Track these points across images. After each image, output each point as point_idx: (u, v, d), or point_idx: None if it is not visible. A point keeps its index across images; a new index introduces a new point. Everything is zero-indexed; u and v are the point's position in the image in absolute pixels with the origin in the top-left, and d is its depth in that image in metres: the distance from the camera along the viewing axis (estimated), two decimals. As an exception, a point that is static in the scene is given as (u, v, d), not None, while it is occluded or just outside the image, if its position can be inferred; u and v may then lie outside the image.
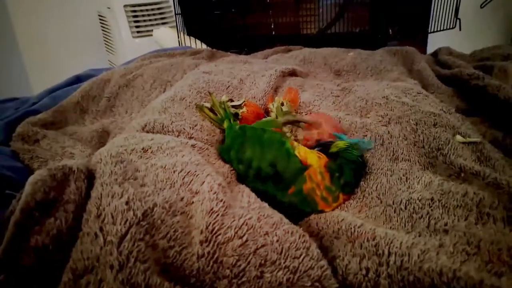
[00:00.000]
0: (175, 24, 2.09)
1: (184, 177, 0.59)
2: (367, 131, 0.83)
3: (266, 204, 0.59)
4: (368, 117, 0.89)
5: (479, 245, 0.50)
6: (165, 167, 0.61)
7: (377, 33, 1.94)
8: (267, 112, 1.01)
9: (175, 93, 0.97)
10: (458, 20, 1.81)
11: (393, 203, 0.62)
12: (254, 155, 0.72)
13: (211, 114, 0.92)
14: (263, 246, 0.50)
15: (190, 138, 0.81)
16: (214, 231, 0.51)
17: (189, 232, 0.52)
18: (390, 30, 1.90)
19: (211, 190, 0.57)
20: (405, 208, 0.60)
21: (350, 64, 1.35)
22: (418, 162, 0.71)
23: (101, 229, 0.47)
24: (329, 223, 0.60)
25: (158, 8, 2.28)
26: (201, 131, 0.85)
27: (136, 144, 0.68)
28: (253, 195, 0.61)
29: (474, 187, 0.61)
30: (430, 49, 1.82)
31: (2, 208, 0.52)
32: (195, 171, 0.61)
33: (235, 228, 0.51)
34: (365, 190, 0.70)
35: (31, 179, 0.51)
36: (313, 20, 1.97)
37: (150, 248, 0.47)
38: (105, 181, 0.54)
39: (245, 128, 0.80)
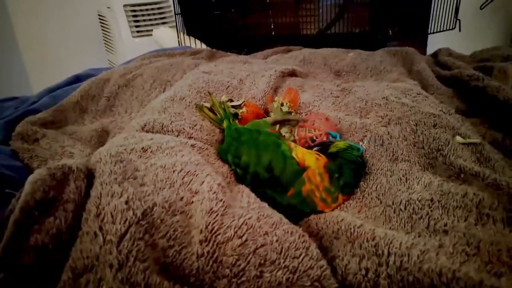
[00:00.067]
0: (175, 24, 2.09)
1: (183, 177, 0.59)
2: (367, 131, 0.83)
3: (265, 204, 0.59)
4: (368, 118, 0.89)
5: (478, 246, 0.50)
6: (164, 166, 0.61)
7: (377, 33, 1.94)
8: (266, 113, 1.01)
9: (175, 93, 0.97)
10: (458, 21, 1.81)
11: (393, 204, 0.62)
12: (250, 159, 0.71)
13: (210, 114, 0.92)
14: (262, 245, 0.50)
15: (190, 138, 0.81)
16: (213, 231, 0.51)
17: (188, 232, 0.52)
18: (390, 31, 1.90)
19: (211, 190, 0.57)
20: (405, 208, 0.60)
21: (350, 65, 1.35)
22: (418, 162, 0.71)
23: (100, 228, 0.47)
24: (329, 223, 0.60)
25: (158, 8, 2.28)
26: (200, 131, 0.85)
27: (135, 144, 0.68)
28: (252, 195, 0.61)
29: (474, 188, 0.61)
30: (430, 50, 1.82)
31: (1, 207, 0.52)
32: (195, 171, 0.61)
33: (234, 228, 0.51)
34: (364, 191, 0.70)
35: (30, 178, 0.51)
36: (313, 20, 1.97)
37: (150, 248, 0.47)
38: (104, 181, 0.54)
39: (240, 131, 0.80)
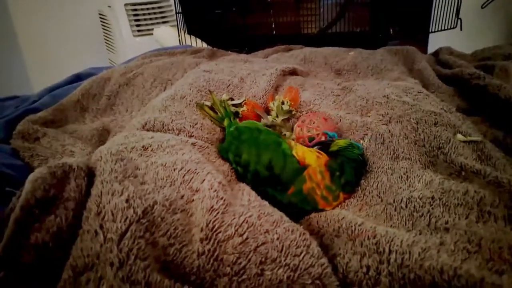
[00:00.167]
0: (175, 23, 2.09)
1: (184, 175, 0.59)
2: (367, 130, 0.83)
3: (266, 202, 0.59)
4: (369, 116, 0.89)
5: (480, 243, 0.50)
6: (165, 165, 0.61)
7: (377, 33, 1.94)
8: (267, 111, 1.01)
9: (176, 91, 0.97)
10: (459, 20, 1.81)
11: (394, 202, 0.62)
12: (250, 158, 0.72)
13: (211, 113, 0.92)
14: (263, 244, 0.50)
15: (191, 136, 0.81)
16: (214, 229, 0.51)
17: (189, 230, 0.51)
18: (391, 30, 1.90)
19: (212, 188, 0.56)
20: (406, 206, 0.60)
21: (350, 64, 1.35)
22: (419, 160, 0.71)
23: (101, 227, 0.47)
24: (330, 222, 0.60)
25: (159, 7, 2.28)
26: (201, 129, 0.85)
27: (136, 142, 0.67)
28: (253, 193, 0.61)
29: (475, 185, 0.60)
30: (431, 49, 1.82)
31: (2, 205, 0.52)
32: (195, 169, 0.61)
33: (235, 226, 0.51)
34: (365, 189, 0.70)
35: (31, 176, 0.51)
36: (313, 19, 1.97)
37: (150, 246, 0.47)
38: (105, 179, 0.54)
39: (240, 130, 0.80)
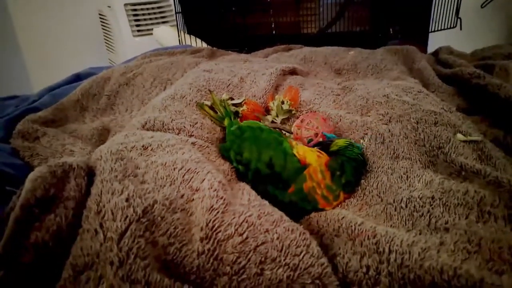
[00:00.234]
0: (175, 22, 2.09)
1: (184, 175, 0.59)
2: (367, 129, 0.83)
3: (266, 202, 0.59)
4: (369, 116, 0.89)
5: (480, 243, 0.50)
6: (165, 164, 0.61)
7: (377, 32, 1.93)
8: (267, 111, 1.01)
9: (176, 91, 0.97)
10: (459, 20, 1.81)
11: (394, 202, 0.62)
12: (251, 156, 0.72)
13: (211, 112, 0.92)
14: (263, 243, 0.50)
15: (191, 136, 0.81)
16: (214, 228, 0.51)
17: (189, 229, 0.51)
18: (391, 30, 1.90)
19: (211, 188, 0.56)
20: (406, 206, 0.60)
21: (350, 63, 1.35)
22: (419, 160, 0.71)
23: (101, 226, 0.47)
24: (330, 221, 0.60)
25: (159, 7, 2.28)
26: (201, 129, 0.85)
27: (136, 142, 0.67)
28: (253, 192, 0.61)
29: (475, 185, 0.60)
30: (431, 48, 1.82)
31: (2, 204, 0.52)
32: (196, 169, 0.61)
33: (235, 225, 0.51)
34: (365, 188, 0.70)
35: (31, 175, 0.51)
36: (313, 19, 1.97)
37: (150, 245, 0.47)
38: (105, 178, 0.54)
39: (243, 129, 0.80)
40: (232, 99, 1.00)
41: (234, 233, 0.51)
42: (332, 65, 1.39)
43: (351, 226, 0.56)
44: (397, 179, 0.68)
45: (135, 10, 2.23)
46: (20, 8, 2.46)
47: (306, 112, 0.98)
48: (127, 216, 0.48)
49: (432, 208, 0.57)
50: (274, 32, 2.04)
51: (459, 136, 0.74)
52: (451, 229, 0.53)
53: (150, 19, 2.28)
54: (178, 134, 0.80)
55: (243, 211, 0.54)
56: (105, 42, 2.53)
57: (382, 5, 1.89)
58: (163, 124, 0.81)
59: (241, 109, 0.96)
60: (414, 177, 0.67)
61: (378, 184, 0.69)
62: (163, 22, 2.30)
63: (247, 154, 0.73)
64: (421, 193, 0.61)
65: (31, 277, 0.45)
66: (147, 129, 0.80)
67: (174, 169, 0.60)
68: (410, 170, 0.69)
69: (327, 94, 1.06)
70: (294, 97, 1.00)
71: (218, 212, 0.53)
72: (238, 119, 0.93)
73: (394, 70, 1.25)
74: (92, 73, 1.37)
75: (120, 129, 0.97)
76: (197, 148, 0.73)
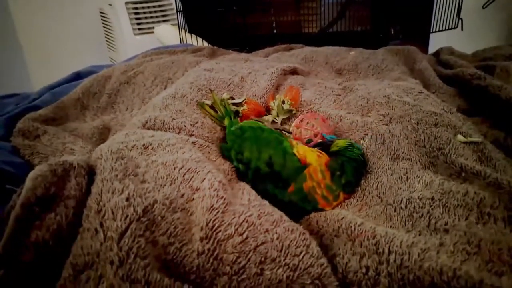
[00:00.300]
0: (176, 21, 2.09)
1: (184, 174, 0.59)
2: (368, 130, 0.83)
3: (266, 202, 0.59)
4: (369, 116, 0.89)
5: (479, 245, 0.50)
6: (165, 163, 0.61)
7: (378, 32, 1.93)
8: (268, 110, 1.01)
9: (176, 90, 0.97)
10: (460, 20, 1.81)
11: (394, 202, 0.62)
12: (252, 155, 0.72)
13: (212, 112, 0.92)
14: (263, 243, 0.50)
15: (191, 135, 0.81)
16: (214, 228, 0.51)
17: (189, 229, 0.52)
18: (392, 30, 1.90)
19: (212, 187, 0.56)
20: (406, 207, 0.60)
21: (351, 63, 1.35)
22: (419, 161, 0.71)
23: (101, 225, 0.47)
24: (329, 222, 0.60)
25: (160, 6, 2.28)
26: (202, 128, 0.85)
27: (136, 141, 0.68)
28: (253, 192, 0.61)
29: (475, 186, 0.60)
30: (432, 49, 1.81)
31: (2, 203, 0.52)
32: (196, 168, 0.61)
33: (235, 225, 0.51)
34: (365, 189, 0.70)
35: (31, 174, 0.51)
36: (314, 19, 1.97)
37: (150, 244, 0.47)
38: (105, 177, 0.54)
39: (243, 128, 0.80)
40: (232, 98, 1.00)
41: (234, 233, 0.51)
42: (333, 65, 1.39)
43: (351, 226, 0.56)
44: (397, 180, 0.68)
45: (136, 8, 2.23)
46: (21, 7, 2.46)
47: (306, 112, 0.98)
48: (127, 216, 0.48)
49: (432, 209, 0.57)
50: (275, 31, 2.04)
51: (460, 137, 0.74)
52: (450, 230, 0.53)
53: (151, 17, 2.28)
54: (178, 133, 0.80)
55: (243, 211, 0.54)
56: (106, 41, 2.53)
57: (383, 5, 1.89)
58: (163, 123, 0.82)
59: (242, 108, 0.96)
60: (414, 178, 0.67)
61: (378, 184, 0.69)
62: (164, 21, 2.30)
63: (248, 153, 0.73)
64: (421, 194, 0.61)
65: (31, 276, 0.45)
66: (148, 128, 0.80)
67: (175, 168, 0.60)
68: (410, 171, 0.69)
69: (327, 94, 1.06)
70: (295, 97, 1.00)
71: (218, 212, 0.53)
72: (238, 119, 0.93)
73: (395, 70, 1.25)
74: (93, 71, 1.37)
75: (120, 128, 0.97)
76: (198, 148, 0.73)
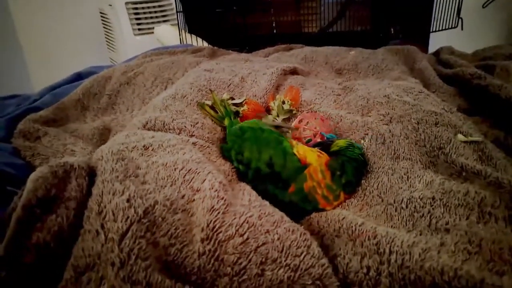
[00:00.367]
0: (176, 21, 2.09)
1: (185, 175, 0.59)
2: (368, 129, 0.83)
3: (267, 202, 0.59)
4: (370, 116, 0.89)
5: (480, 244, 0.50)
6: (166, 164, 0.61)
7: (378, 32, 1.93)
8: (268, 110, 1.01)
9: (176, 90, 0.97)
10: (460, 20, 1.81)
11: (394, 202, 0.62)
12: (252, 155, 0.72)
13: (212, 112, 0.93)
14: (264, 244, 0.50)
15: (191, 136, 0.81)
16: (215, 229, 0.51)
17: (190, 230, 0.52)
18: (392, 29, 1.90)
19: (212, 188, 0.57)
20: (406, 207, 0.60)
21: (351, 63, 1.35)
22: (420, 161, 0.71)
23: (102, 226, 0.47)
24: (330, 222, 0.60)
25: (160, 6, 2.28)
26: (202, 129, 0.85)
27: (137, 142, 0.68)
28: (254, 193, 0.61)
29: (476, 186, 0.60)
30: (432, 48, 1.81)
31: (3, 204, 0.52)
32: (196, 169, 0.61)
33: (236, 226, 0.51)
34: (366, 189, 0.70)
35: (32, 176, 0.51)
36: (314, 18, 1.97)
37: (151, 246, 0.47)
38: (106, 178, 0.54)
39: (243, 129, 0.80)
40: (233, 98, 1.00)
41: (235, 233, 0.51)
42: (333, 65, 1.39)
43: (352, 226, 0.56)
44: (397, 180, 0.68)
45: (136, 8, 2.23)
46: (21, 7, 2.46)
47: (306, 112, 0.98)
48: (128, 217, 0.48)
49: (433, 209, 0.57)
50: (275, 31, 2.04)
51: (460, 136, 0.74)
52: (451, 229, 0.53)
53: (151, 17, 2.28)
54: (179, 134, 0.80)
55: (243, 212, 0.54)
56: (106, 41, 2.53)
57: (383, 5, 1.89)
58: (164, 124, 0.82)
59: (242, 109, 0.96)
60: (415, 177, 0.67)
61: (378, 184, 0.69)
62: (164, 21, 2.30)
63: (248, 153, 0.73)
64: (421, 194, 0.61)
65: (32, 278, 0.45)
66: (148, 129, 0.80)
67: (175, 169, 0.60)
68: (410, 170, 0.69)
69: (327, 94, 1.06)
70: (295, 97, 1.00)
71: (219, 213, 0.53)
72: (239, 119, 0.93)
73: (395, 70, 1.25)
74: (93, 72, 1.37)
75: (121, 129, 0.97)
76: (198, 148, 0.73)
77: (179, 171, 0.60)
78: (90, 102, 1.15)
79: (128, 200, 0.50)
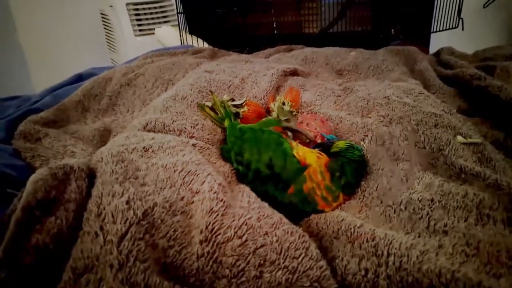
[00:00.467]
0: (177, 22, 2.09)
1: (184, 177, 0.60)
2: (368, 131, 0.83)
3: (266, 204, 0.59)
4: (370, 117, 0.89)
5: (478, 247, 0.50)
6: (165, 166, 0.61)
7: (379, 33, 1.93)
8: (268, 112, 1.02)
9: (177, 92, 0.98)
10: (460, 20, 1.80)
11: (393, 204, 0.62)
12: (252, 157, 0.72)
13: (212, 113, 0.93)
14: (262, 246, 0.50)
15: (191, 137, 0.81)
16: (214, 231, 0.51)
17: (189, 232, 0.52)
18: (392, 30, 1.89)
19: (211, 190, 0.57)
20: (405, 208, 0.60)
21: (351, 64, 1.35)
22: (419, 162, 0.71)
23: (101, 228, 0.47)
24: (329, 223, 0.60)
25: (160, 7, 2.29)
26: (202, 130, 0.85)
27: (137, 143, 0.68)
28: (253, 194, 0.61)
29: (475, 188, 0.60)
30: (433, 49, 1.81)
31: (3, 206, 0.52)
32: (196, 171, 0.61)
33: (234, 228, 0.51)
34: (365, 190, 0.70)
35: (32, 178, 0.51)
36: (315, 19, 1.97)
37: (150, 248, 0.47)
38: (105, 180, 0.55)
39: (243, 130, 0.80)
40: (233, 100, 1.00)
41: (234, 235, 0.51)
42: (333, 66, 1.39)
43: (350, 228, 0.56)
44: (397, 181, 0.68)
45: (137, 9, 2.23)
46: (21, 8, 2.47)
47: (306, 113, 0.99)
48: (127, 219, 0.48)
49: (431, 211, 0.57)
50: (275, 31, 2.04)
51: (459, 138, 0.74)
52: (450, 232, 0.53)
53: (152, 18, 2.29)
54: (179, 135, 0.80)
55: (242, 214, 0.54)
56: (107, 42, 2.54)
57: (384, 5, 1.89)
58: (164, 125, 0.82)
59: (242, 110, 0.96)
60: (414, 179, 0.67)
61: (377, 186, 0.69)
62: (165, 22, 2.30)
63: (248, 155, 0.73)
64: (420, 196, 0.61)
65: (32, 279, 0.45)
66: (148, 130, 0.80)
67: (175, 171, 0.60)
68: (410, 172, 0.69)
69: (328, 95, 1.06)
70: (295, 98, 1.00)
71: (218, 215, 0.53)
72: (239, 120, 0.93)
73: (395, 71, 1.25)
74: (94, 73, 1.37)
75: (121, 130, 0.97)
76: (198, 150, 0.73)
77: (179, 173, 0.60)
78: (90, 104, 1.16)
79: (127, 202, 0.50)
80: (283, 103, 0.96)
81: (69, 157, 0.85)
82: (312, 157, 0.71)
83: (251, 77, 1.12)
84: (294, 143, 0.75)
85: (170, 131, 0.81)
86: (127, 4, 2.19)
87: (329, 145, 0.76)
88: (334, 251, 0.55)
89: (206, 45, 2.00)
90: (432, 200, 0.59)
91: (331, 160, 0.72)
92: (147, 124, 0.81)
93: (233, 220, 0.53)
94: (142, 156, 0.65)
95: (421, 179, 0.65)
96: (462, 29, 1.80)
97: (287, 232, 0.53)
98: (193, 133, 0.83)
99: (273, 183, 0.69)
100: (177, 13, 2.04)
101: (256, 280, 0.47)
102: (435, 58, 1.45)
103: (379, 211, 0.63)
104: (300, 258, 0.49)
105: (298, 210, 0.67)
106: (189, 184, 0.59)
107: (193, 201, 0.56)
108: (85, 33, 2.62)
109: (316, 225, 0.62)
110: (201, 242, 0.50)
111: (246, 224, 0.52)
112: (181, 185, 0.58)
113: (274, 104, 0.98)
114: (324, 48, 1.51)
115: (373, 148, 0.78)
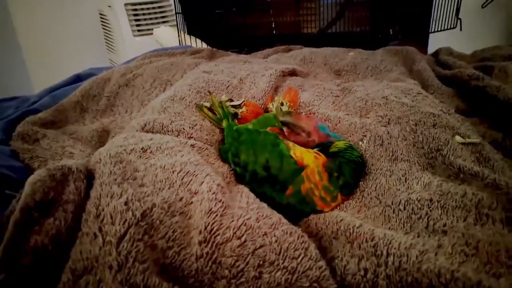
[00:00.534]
0: (175, 23, 2.09)
1: (183, 177, 0.59)
2: (366, 131, 0.83)
3: (265, 205, 0.59)
4: (368, 117, 0.89)
5: (477, 246, 0.50)
6: (164, 167, 0.61)
7: (377, 33, 1.93)
8: (266, 112, 1.01)
9: (175, 92, 0.98)
10: (459, 20, 1.81)
11: (392, 204, 0.62)
12: (248, 158, 0.72)
13: (210, 114, 0.93)
14: (261, 246, 0.50)
15: (190, 137, 0.81)
16: (212, 232, 0.51)
17: (188, 233, 0.52)
18: (391, 30, 1.90)
19: (210, 191, 0.57)
20: (404, 208, 0.60)
21: (350, 64, 1.35)
22: (418, 162, 0.71)
23: (100, 229, 0.47)
24: (328, 224, 0.60)
25: (159, 7, 2.28)
26: (200, 130, 0.85)
27: (135, 144, 0.68)
28: (252, 195, 0.61)
29: (473, 188, 0.61)
30: (431, 49, 1.81)
31: (2, 208, 0.52)
32: (194, 171, 0.61)
33: (233, 229, 0.51)
34: (364, 190, 0.70)
35: (30, 179, 0.51)
36: (313, 19, 1.97)
37: (149, 249, 0.47)
38: (104, 181, 0.54)
39: (240, 131, 0.80)
40: (231, 100, 1.00)
41: (233, 236, 0.51)
42: (332, 66, 1.39)
43: (350, 228, 0.56)
44: (395, 181, 0.68)
45: (135, 10, 2.23)
46: (20, 8, 2.46)
47: (306, 113, 0.99)
48: (126, 220, 0.48)
49: (430, 211, 0.58)
50: (274, 32, 2.04)
51: (458, 138, 0.74)
52: (449, 231, 0.53)
53: (151, 19, 2.28)
54: (177, 136, 0.80)
55: (241, 214, 0.54)
56: (106, 42, 2.54)
57: (382, 6, 1.89)
58: (162, 126, 0.82)
59: (240, 110, 0.96)
60: (413, 179, 0.67)
61: (376, 186, 0.69)
62: (163, 22, 2.30)
63: (244, 156, 0.73)
64: (419, 196, 0.61)
65: (31, 281, 0.45)
66: (147, 131, 0.80)
67: (173, 172, 0.60)
68: (408, 172, 0.69)
69: (326, 95, 1.06)
70: (294, 99, 1.00)
71: (216, 215, 0.53)
72: (236, 121, 0.93)
73: (393, 71, 1.25)
74: (92, 73, 1.37)
75: (119, 131, 0.97)
76: (196, 150, 0.73)
77: (177, 174, 0.60)
78: (89, 104, 1.16)
79: (126, 203, 0.50)
80: (282, 104, 0.96)
81: (67, 158, 0.85)
82: (309, 158, 0.71)
83: (249, 78, 1.12)
84: (291, 144, 0.75)
85: (168, 131, 0.81)
86: (126, 4, 2.19)
87: (329, 145, 0.76)
88: (334, 251, 0.55)
89: (204, 45, 2.00)
90: (431, 200, 0.59)
91: (329, 160, 0.72)
92: (146, 125, 0.81)
93: (232, 221, 0.52)
94: (140, 157, 0.65)
95: (419, 179, 0.66)
96: (461, 29, 1.80)
97: (286, 233, 0.53)
98: (192, 133, 0.83)
99: (270, 184, 0.69)
100: (176, 13, 2.04)
101: (256, 281, 0.47)
102: (433, 58, 1.45)
103: (378, 211, 0.63)
104: (300, 259, 0.49)
105: (296, 210, 0.67)
106: (188, 184, 0.59)
107: (191, 202, 0.56)
108: (84, 33, 2.62)
109: (315, 225, 0.62)
110: (200, 243, 0.50)
111: (245, 225, 0.52)
112: (179, 185, 0.58)
113: (272, 105, 0.98)
114: (322, 48, 1.51)
115: (372, 148, 0.78)
